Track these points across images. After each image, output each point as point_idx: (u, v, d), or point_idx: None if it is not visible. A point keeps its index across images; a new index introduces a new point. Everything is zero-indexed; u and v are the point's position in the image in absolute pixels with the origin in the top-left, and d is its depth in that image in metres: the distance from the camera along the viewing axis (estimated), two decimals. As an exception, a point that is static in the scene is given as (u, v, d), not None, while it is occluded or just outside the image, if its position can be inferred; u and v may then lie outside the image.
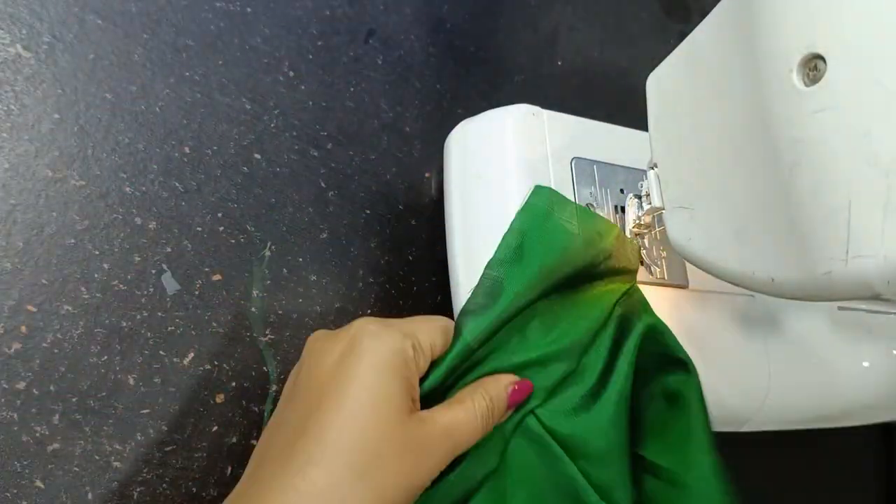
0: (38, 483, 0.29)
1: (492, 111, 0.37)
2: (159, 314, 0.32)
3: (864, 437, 0.52)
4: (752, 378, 0.37)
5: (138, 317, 0.32)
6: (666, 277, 0.37)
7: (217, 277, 0.34)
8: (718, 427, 0.34)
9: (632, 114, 0.39)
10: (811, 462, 0.50)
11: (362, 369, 0.25)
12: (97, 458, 0.30)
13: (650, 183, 0.31)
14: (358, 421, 0.24)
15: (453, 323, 0.30)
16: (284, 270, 0.36)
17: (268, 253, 0.34)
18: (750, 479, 0.46)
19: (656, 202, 0.30)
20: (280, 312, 0.35)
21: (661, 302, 0.36)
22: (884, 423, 0.47)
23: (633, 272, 0.35)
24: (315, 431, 0.24)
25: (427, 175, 0.41)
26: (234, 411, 0.33)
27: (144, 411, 0.31)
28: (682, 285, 0.38)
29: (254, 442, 0.33)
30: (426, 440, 0.26)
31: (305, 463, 0.23)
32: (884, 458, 0.53)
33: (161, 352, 0.32)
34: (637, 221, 0.34)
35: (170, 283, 0.33)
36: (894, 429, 0.53)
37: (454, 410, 0.27)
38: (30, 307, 0.30)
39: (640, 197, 0.34)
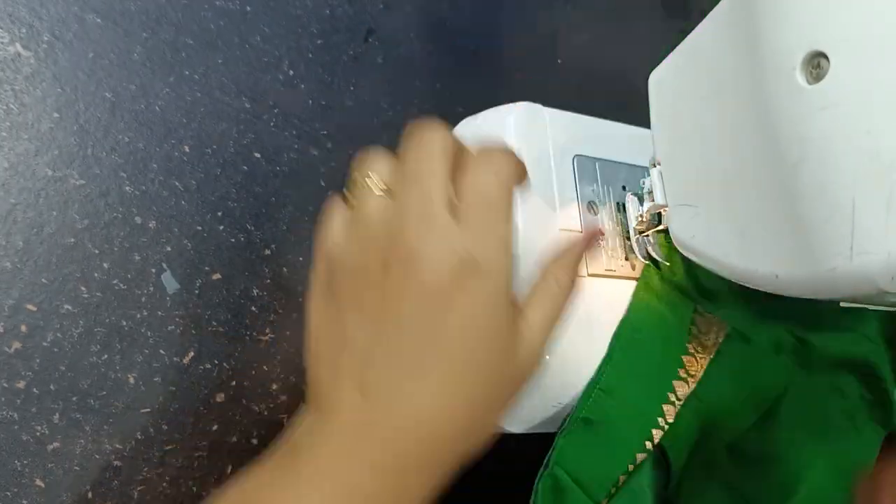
0: (39, 482, 0.29)
1: (493, 109, 0.37)
2: (159, 313, 0.32)
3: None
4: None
5: (138, 316, 0.32)
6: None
7: (217, 277, 0.34)
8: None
9: (632, 112, 0.39)
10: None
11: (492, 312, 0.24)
12: (97, 457, 0.30)
13: (653, 181, 0.31)
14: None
15: None
16: (284, 270, 0.36)
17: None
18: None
19: (659, 200, 0.30)
20: (280, 312, 0.35)
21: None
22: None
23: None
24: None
25: (427, 174, 0.41)
26: (234, 410, 0.33)
27: (144, 410, 0.31)
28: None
29: (254, 441, 0.33)
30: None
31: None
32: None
33: (161, 351, 0.32)
34: (639, 219, 0.34)
35: (170, 283, 0.33)
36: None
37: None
38: (30, 306, 0.30)
39: (639, 195, 0.34)
